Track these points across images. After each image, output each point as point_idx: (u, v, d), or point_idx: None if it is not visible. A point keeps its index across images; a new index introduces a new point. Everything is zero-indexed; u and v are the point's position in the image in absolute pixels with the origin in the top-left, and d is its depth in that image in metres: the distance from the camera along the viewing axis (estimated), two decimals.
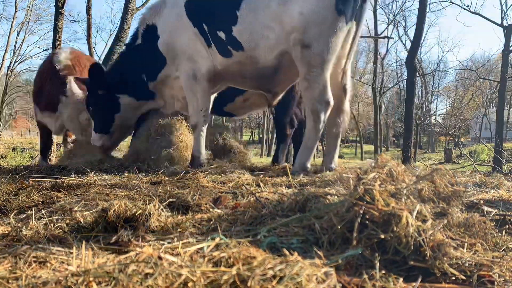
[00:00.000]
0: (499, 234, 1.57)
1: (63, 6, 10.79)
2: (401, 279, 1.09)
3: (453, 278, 1.17)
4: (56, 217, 1.86)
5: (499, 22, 17.89)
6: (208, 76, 4.05)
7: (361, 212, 1.28)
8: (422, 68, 33.52)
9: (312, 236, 1.37)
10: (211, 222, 1.80)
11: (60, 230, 1.67)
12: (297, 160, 3.69)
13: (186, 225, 1.75)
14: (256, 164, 4.76)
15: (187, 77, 4.10)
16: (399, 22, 33.63)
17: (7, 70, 34.36)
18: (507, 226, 1.70)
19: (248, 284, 0.92)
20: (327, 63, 3.45)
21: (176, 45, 4.13)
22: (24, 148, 23.95)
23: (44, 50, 36.04)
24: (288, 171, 3.08)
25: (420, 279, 1.13)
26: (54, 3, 10.98)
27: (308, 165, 3.63)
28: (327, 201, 1.63)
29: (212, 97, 4.34)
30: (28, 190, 2.42)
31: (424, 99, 39.64)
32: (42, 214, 1.90)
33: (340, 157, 5.37)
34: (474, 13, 16.65)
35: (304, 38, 3.42)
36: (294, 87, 4.80)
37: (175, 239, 1.52)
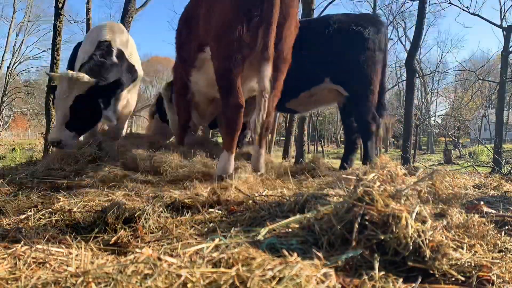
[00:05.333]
0: (499, 235, 1.57)
1: (62, 6, 10.78)
2: (400, 280, 1.09)
3: (453, 279, 1.17)
4: (56, 218, 1.86)
5: (499, 23, 17.95)
6: None
7: (361, 213, 1.28)
8: (422, 69, 33.54)
9: (312, 237, 1.37)
10: (211, 223, 1.80)
11: (60, 231, 1.67)
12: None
13: (185, 226, 1.75)
14: None
15: None
16: (398, 23, 33.62)
17: (7, 71, 34.38)
18: (507, 227, 1.70)
19: (248, 285, 0.92)
20: None
21: None
22: (23, 149, 23.93)
23: (44, 51, 36.09)
24: (289, 172, 3.07)
25: (419, 280, 1.13)
26: (53, 4, 10.98)
27: None
28: (327, 202, 1.63)
29: None
30: (28, 191, 2.42)
31: (423, 100, 39.67)
32: (42, 215, 1.90)
33: (339, 158, 5.29)
34: (473, 14, 16.67)
35: None
36: (374, 81, 4.32)
37: (175, 240, 1.52)
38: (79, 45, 5.19)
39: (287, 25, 2.90)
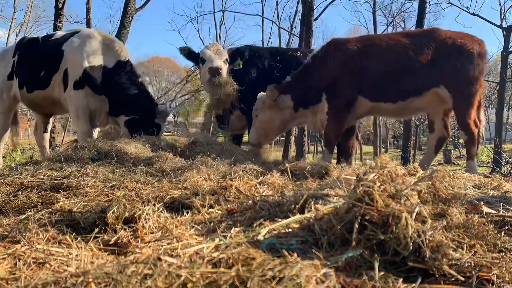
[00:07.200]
0: (499, 235, 1.57)
1: (63, 7, 10.80)
2: (400, 280, 1.09)
3: (453, 279, 1.17)
4: (56, 218, 1.85)
5: (498, 23, 17.94)
6: None
7: (361, 213, 1.28)
8: None
9: (312, 237, 1.37)
10: (211, 223, 1.80)
11: (60, 231, 1.67)
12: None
13: (185, 226, 1.75)
14: None
15: None
16: (398, 23, 33.58)
17: None
18: (507, 227, 1.70)
19: (248, 285, 0.92)
20: None
21: None
22: (23, 149, 23.91)
23: None
24: (288, 172, 3.07)
25: (419, 280, 1.13)
26: (53, 4, 11.00)
27: None
28: (327, 202, 1.63)
29: None
30: (28, 191, 2.42)
31: None
32: (42, 215, 1.90)
33: None
34: (473, 14, 16.66)
35: None
36: None
37: (175, 240, 1.52)
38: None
39: None
